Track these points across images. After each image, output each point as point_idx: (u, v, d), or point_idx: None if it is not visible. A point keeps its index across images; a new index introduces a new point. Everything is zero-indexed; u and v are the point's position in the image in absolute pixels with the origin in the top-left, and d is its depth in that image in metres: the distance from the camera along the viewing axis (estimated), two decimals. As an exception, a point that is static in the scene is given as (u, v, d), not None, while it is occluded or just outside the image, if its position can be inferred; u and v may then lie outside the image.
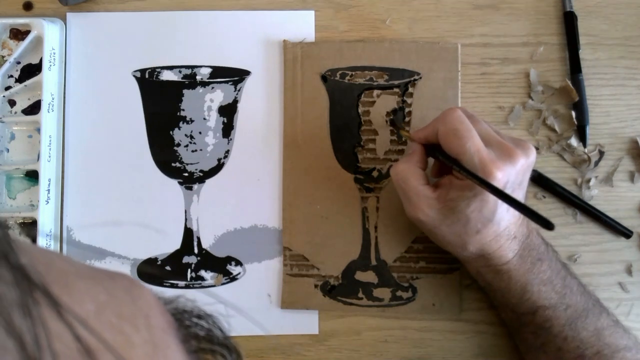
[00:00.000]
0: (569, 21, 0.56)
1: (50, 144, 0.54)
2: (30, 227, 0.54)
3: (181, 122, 0.55)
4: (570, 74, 0.55)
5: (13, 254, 0.15)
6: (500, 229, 0.44)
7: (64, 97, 0.56)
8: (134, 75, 0.56)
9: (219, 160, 0.56)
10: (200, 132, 0.55)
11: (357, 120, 0.55)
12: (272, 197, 0.55)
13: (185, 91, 0.55)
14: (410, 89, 0.55)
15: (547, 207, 0.55)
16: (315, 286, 0.54)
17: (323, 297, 0.54)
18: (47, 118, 0.54)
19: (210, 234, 0.55)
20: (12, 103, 0.56)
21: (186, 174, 0.55)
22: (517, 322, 0.49)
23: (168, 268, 0.55)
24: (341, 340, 0.54)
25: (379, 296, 0.54)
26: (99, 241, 0.56)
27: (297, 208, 0.55)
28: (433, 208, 0.45)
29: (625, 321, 0.51)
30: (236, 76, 0.56)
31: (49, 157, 0.54)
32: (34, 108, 0.56)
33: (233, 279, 0.55)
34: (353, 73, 0.55)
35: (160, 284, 0.55)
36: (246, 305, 0.55)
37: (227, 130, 0.56)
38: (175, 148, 0.55)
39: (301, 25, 0.56)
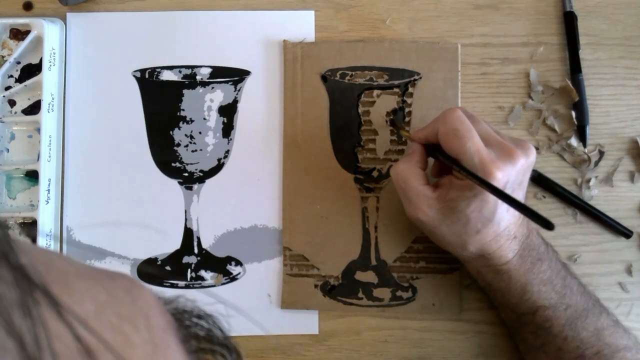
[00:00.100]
0: (569, 21, 0.56)
1: (50, 144, 0.54)
2: (30, 227, 0.54)
3: (181, 122, 0.55)
4: (570, 74, 0.55)
5: (13, 254, 0.15)
6: (500, 229, 0.44)
7: (64, 97, 0.56)
8: (134, 75, 0.56)
9: (219, 160, 0.56)
10: (200, 132, 0.55)
11: (357, 120, 0.55)
12: (272, 197, 0.55)
13: (185, 91, 0.55)
14: (410, 89, 0.55)
15: (547, 207, 0.55)
16: (315, 286, 0.54)
17: (323, 297, 0.54)
18: (47, 118, 0.54)
19: (210, 234, 0.55)
20: (12, 103, 0.56)
21: (186, 174, 0.55)
22: (517, 322, 0.49)
23: (168, 268, 0.55)
24: (341, 340, 0.54)
25: (379, 296, 0.54)
26: (99, 241, 0.56)
27: (297, 208, 0.55)
28: (433, 208, 0.45)
29: (625, 321, 0.51)
30: (236, 76, 0.56)
31: (49, 157, 0.54)
32: (34, 108, 0.56)
33: (233, 279, 0.55)
34: (353, 73, 0.55)
35: (160, 284, 0.55)
36: (246, 305, 0.55)
37: (227, 130, 0.56)
38: (175, 148, 0.55)
39: (301, 25, 0.56)
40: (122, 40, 0.57)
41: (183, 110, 0.55)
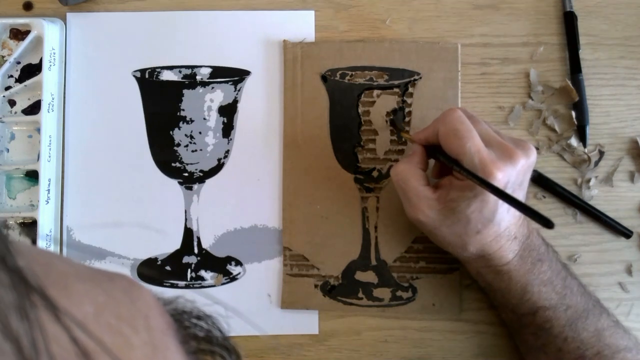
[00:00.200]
0: (569, 21, 0.56)
1: (50, 144, 0.54)
2: (30, 227, 0.54)
3: (181, 122, 0.55)
4: (570, 74, 0.55)
5: (10, 256, 0.15)
6: (501, 230, 0.44)
7: (64, 97, 0.56)
8: (134, 75, 0.56)
9: (219, 160, 0.56)
10: (200, 132, 0.55)
11: (357, 120, 0.55)
12: (272, 197, 0.55)
13: (185, 91, 0.55)
14: (410, 89, 0.55)
15: (547, 207, 0.55)
16: (315, 286, 0.54)
17: (323, 297, 0.54)
18: (47, 118, 0.54)
19: (210, 234, 0.55)
20: (12, 103, 0.57)
21: (186, 174, 0.55)
22: (518, 322, 0.49)
23: (168, 268, 0.55)
24: (341, 340, 0.54)
25: (379, 296, 0.54)
26: (99, 241, 0.56)
27: (297, 208, 0.55)
28: (433, 209, 0.45)
29: (625, 321, 0.51)
30: (236, 76, 0.56)
31: (49, 157, 0.54)
32: (34, 108, 0.56)
33: (233, 279, 0.55)
34: (353, 73, 0.55)
35: (160, 284, 0.55)
36: (246, 305, 0.55)
37: (227, 130, 0.56)
38: (175, 148, 0.55)
39: (301, 25, 0.56)
40: (122, 40, 0.57)
41: (183, 110, 0.55)
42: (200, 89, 0.55)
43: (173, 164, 0.56)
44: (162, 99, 0.56)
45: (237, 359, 0.23)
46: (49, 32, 0.54)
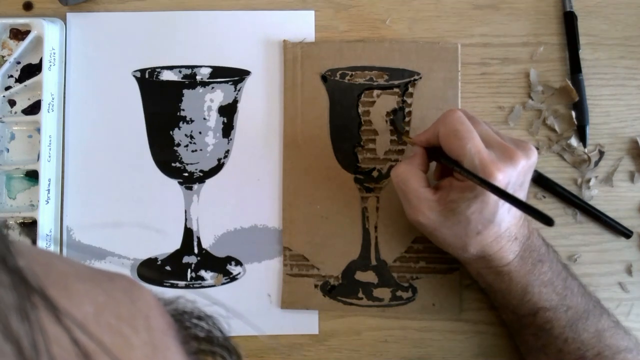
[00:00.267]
0: (569, 21, 0.56)
1: (50, 144, 0.54)
2: (30, 227, 0.54)
3: (181, 122, 0.55)
4: (570, 74, 0.55)
5: (11, 256, 0.15)
6: (501, 231, 0.44)
7: (64, 97, 0.56)
8: (134, 75, 0.56)
9: (219, 160, 0.56)
10: (200, 132, 0.55)
11: (357, 120, 0.55)
12: (272, 197, 0.55)
13: (185, 91, 0.55)
14: (410, 89, 0.55)
15: (547, 207, 0.55)
16: (315, 286, 0.54)
17: (323, 297, 0.54)
18: (47, 118, 0.54)
19: (210, 234, 0.55)
20: (12, 103, 0.56)
21: (186, 174, 0.55)
22: (518, 323, 0.49)
23: (168, 268, 0.55)
24: (341, 340, 0.54)
25: (379, 296, 0.54)
26: (99, 241, 0.56)
27: (297, 208, 0.55)
28: (433, 210, 0.45)
29: (625, 321, 0.51)
30: (236, 76, 0.56)
31: (49, 157, 0.54)
32: (34, 108, 0.56)
33: (233, 279, 0.55)
34: (353, 73, 0.55)
35: (161, 284, 0.55)
36: (246, 305, 0.55)
37: (227, 130, 0.56)
38: (175, 148, 0.55)
39: (301, 25, 0.56)
40: (122, 40, 0.57)
41: (183, 110, 0.55)
42: (200, 89, 0.55)
43: (173, 164, 0.56)
44: (162, 99, 0.56)
45: (237, 359, 0.23)
46: (49, 32, 0.54)
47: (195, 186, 0.56)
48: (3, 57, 0.57)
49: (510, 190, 0.42)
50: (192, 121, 0.55)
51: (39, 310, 0.14)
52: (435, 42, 0.56)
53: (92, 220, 0.56)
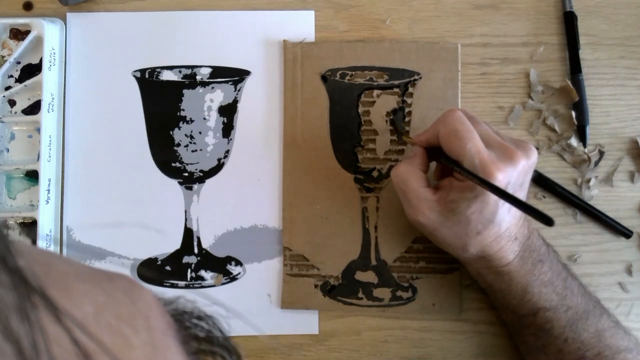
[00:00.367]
0: (569, 21, 0.56)
1: (50, 144, 0.54)
2: (30, 227, 0.54)
3: (181, 122, 0.55)
4: (570, 74, 0.55)
5: (11, 256, 0.15)
6: (501, 230, 0.44)
7: (64, 97, 0.56)
8: (134, 75, 0.56)
9: (219, 160, 0.56)
10: (200, 132, 0.55)
11: (357, 120, 0.55)
12: (272, 197, 0.55)
13: (185, 91, 0.55)
14: (410, 89, 0.55)
15: (547, 207, 0.55)
16: (315, 286, 0.54)
17: (323, 297, 0.54)
18: (47, 118, 0.54)
19: (210, 234, 0.55)
20: (12, 103, 0.56)
21: (186, 174, 0.55)
22: (518, 323, 0.49)
23: (168, 268, 0.55)
24: (341, 340, 0.54)
25: (379, 296, 0.54)
26: (99, 241, 0.56)
27: (297, 208, 0.55)
28: (434, 210, 0.45)
29: (625, 321, 0.51)
30: (236, 76, 0.56)
31: (49, 157, 0.54)
32: (34, 108, 0.56)
33: (233, 279, 0.55)
34: (353, 73, 0.55)
35: (161, 284, 0.55)
36: (246, 305, 0.55)
37: (227, 130, 0.56)
38: (175, 148, 0.55)
39: (301, 25, 0.56)
40: (122, 40, 0.57)
41: (183, 110, 0.55)
42: (200, 89, 0.55)
43: (173, 164, 0.56)
44: (162, 99, 0.56)
45: (237, 359, 0.23)
46: (49, 32, 0.54)
47: (195, 186, 0.56)
48: (3, 57, 0.57)
49: (510, 190, 0.42)
50: (192, 121, 0.55)
51: (39, 310, 0.14)
52: (435, 42, 0.56)
53: (92, 220, 0.56)
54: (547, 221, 0.36)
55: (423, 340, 0.54)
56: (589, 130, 0.55)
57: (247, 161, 0.56)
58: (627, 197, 0.55)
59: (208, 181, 0.56)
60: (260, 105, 0.56)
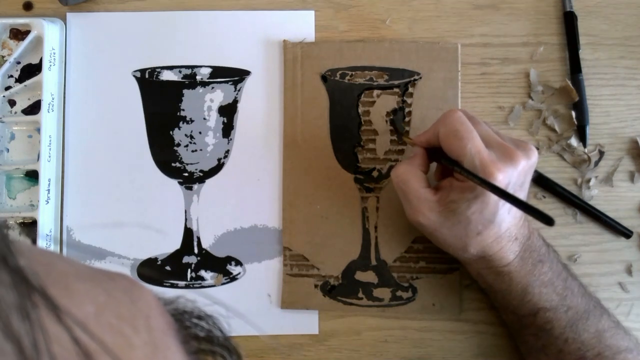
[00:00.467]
0: (569, 21, 0.56)
1: (50, 144, 0.54)
2: (30, 227, 0.54)
3: (181, 122, 0.55)
4: (570, 74, 0.55)
5: (11, 256, 0.15)
6: (502, 231, 0.44)
7: (64, 97, 0.56)
8: (134, 75, 0.56)
9: (219, 160, 0.56)
10: (200, 132, 0.55)
11: (357, 120, 0.55)
12: (272, 197, 0.55)
13: (185, 91, 0.55)
14: (410, 89, 0.55)
15: (547, 207, 0.55)
16: (315, 286, 0.54)
17: (323, 297, 0.54)
18: (47, 118, 0.54)
19: (210, 234, 0.55)
20: (12, 103, 0.56)
21: (186, 174, 0.55)
22: (518, 324, 0.49)
23: (168, 268, 0.55)
24: (341, 340, 0.54)
25: (379, 296, 0.54)
26: (99, 241, 0.56)
27: (297, 208, 0.55)
28: (434, 211, 0.45)
29: (625, 321, 0.51)
30: (236, 76, 0.56)
31: (49, 157, 0.54)
32: (34, 108, 0.56)
33: (233, 279, 0.55)
34: (353, 73, 0.55)
35: (160, 284, 0.55)
36: (246, 305, 0.55)
37: (227, 130, 0.56)
38: (175, 148, 0.55)
39: (301, 25, 0.56)
40: (122, 40, 0.57)
41: (183, 110, 0.55)
42: (200, 89, 0.55)
43: (173, 164, 0.56)
44: (162, 99, 0.56)
45: (238, 359, 0.23)
46: (49, 32, 0.54)
47: (195, 186, 0.56)
48: (3, 57, 0.57)
49: (510, 191, 0.42)
50: (192, 121, 0.55)
51: (39, 309, 0.14)
52: (435, 42, 0.56)
53: (92, 220, 0.56)
54: (548, 221, 0.36)
55: (423, 340, 0.54)
56: (589, 130, 0.55)
57: (247, 161, 0.56)
58: (627, 197, 0.55)
59: (208, 181, 0.56)
60: (260, 105, 0.56)
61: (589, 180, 0.55)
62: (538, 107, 0.55)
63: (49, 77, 0.54)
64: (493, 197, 0.42)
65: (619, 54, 0.56)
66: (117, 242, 0.55)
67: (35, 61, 0.57)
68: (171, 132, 0.55)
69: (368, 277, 0.54)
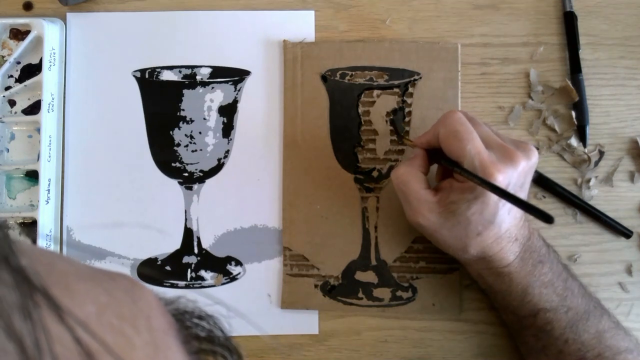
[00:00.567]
0: (569, 21, 0.56)
1: (50, 144, 0.54)
2: (30, 227, 0.54)
3: (181, 122, 0.55)
4: (570, 74, 0.55)
5: (13, 256, 0.15)
6: (502, 232, 0.44)
7: (64, 97, 0.56)
8: (134, 75, 0.56)
9: (219, 160, 0.56)
10: (200, 132, 0.55)
11: (357, 120, 0.55)
12: (272, 197, 0.55)
13: (185, 91, 0.55)
14: (410, 89, 0.55)
15: (547, 207, 0.55)
16: (315, 286, 0.54)
17: (323, 297, 0.54)
18: (47, 118, 0.54)
19: (210, 234, 0.55)
20: (12, 103, 0.56)
21: (186, 174, 0.55)
22: (518, 324, 0.49)
23: (168, 268, 0.55)
24: (341, 340, 0.54)
25: (379, 296, 0.54)
26: (99, 241, 0.56)
27: (297, 208, 0.55)
28: (434, 212, 0.45)
29: (625, 321, 0.51)
30: (236, 76, 0.56)
31: (49, 157, 0.54)
32: (34, 108, 0.56)
33: (233, 279, 0.55)
34: (353, 73, 0.55)
35: (161, 284, 0.55)
36: (246, 305, 0.55)
37: (227, 130, 0.56)
38: (175, 148, 0.55)
39: (301, 25, 0.56)
40: (122, 40, 0.57)
41: (183, 110, 0.55)
42: (200, 89, 0.55)
43: (173, 164, 0.55)
44: (162, 99, 0.56)
45: (238, 359, 0.23)
46: (49, 32, 0.54)
47: (195, 186, 0.56)
48: (3, 57, 0.57)
49: (510, 192, 0.42)
50: (192, 121, 0.55)
51: (41, 309, 0.14)
52: (435, 42, 0.56)
53: (92, 220, 0.56)
54: (547, 219, 0.36)
55: (423, 340, 0.54)
56: (589, 130, 0.55)
57: (247, 161, 0.56)
58: (627, 197, 0.55)
59: (208, 181, 0.56)
60: (260, 105, 0.56)
61: (589, 180, 0.55)
62: (538, 107, 0.55)
63: (49, 77, 0.54)
64: (493, 198, 0.42)
65: (619, 54, 0.56)
66: (117, 242, 0.55)
67: (35, 61, 0.57)
68: (171, 132, 0.55)
69: (368, 277, 0.54)
